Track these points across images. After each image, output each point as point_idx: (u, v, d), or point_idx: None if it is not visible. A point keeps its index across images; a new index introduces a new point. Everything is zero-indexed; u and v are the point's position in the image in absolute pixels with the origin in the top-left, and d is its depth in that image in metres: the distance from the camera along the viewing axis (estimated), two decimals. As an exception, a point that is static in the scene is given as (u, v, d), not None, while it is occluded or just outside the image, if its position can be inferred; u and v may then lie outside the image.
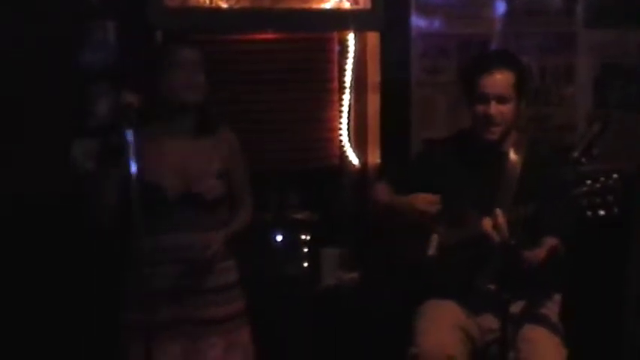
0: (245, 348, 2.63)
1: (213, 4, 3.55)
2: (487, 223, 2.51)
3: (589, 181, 2.31)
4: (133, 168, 2.25)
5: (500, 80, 2.63)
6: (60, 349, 3.20)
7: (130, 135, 2.27)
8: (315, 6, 3.63)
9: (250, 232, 2.73)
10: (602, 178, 2.29)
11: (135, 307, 2.45)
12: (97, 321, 3.06)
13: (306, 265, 3.54)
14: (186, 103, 2.49)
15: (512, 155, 2.68)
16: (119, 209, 2.43)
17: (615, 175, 2.28)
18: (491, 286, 2.58)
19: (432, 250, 2.70)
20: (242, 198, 2.70)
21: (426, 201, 2.73)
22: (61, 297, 3.23)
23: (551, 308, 2.76)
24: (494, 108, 2.63)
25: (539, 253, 2.57)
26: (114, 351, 2.55)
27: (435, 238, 2.70)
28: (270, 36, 3.65)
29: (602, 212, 2.28)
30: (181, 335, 2.47)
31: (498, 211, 2.49)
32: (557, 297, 2.80)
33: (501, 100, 2.63)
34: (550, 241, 2.60)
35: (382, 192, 2.94)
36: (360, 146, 3.73)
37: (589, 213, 2.30)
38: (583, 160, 2.45)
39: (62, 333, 3.22)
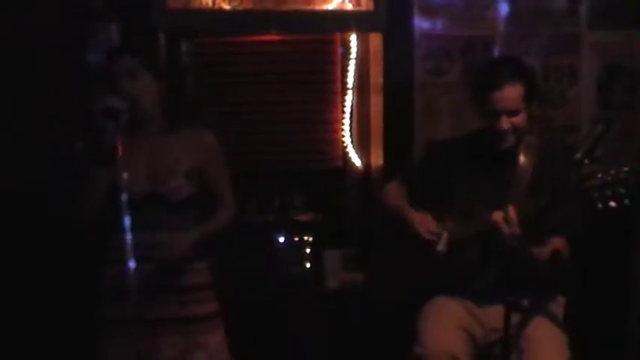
0: (212, 351, 2.59)
1: (216, 6, 3.56)
2: (498, 214, 2.52)
3: (600, 174, 2.31)
4: (121, 171, 2.27)
5: (509, 95, 2.62)
6: (36, 342, 3.23)
7: (117, 137, 2.30)
8: (317, 7, 3.64)
9: (250, 232, 2.72)
10: (613, 171, 2.30)
11: (104, 303, 2.52)
12: (74, 315, 3.08)
13: (309, 266, 3.54)
14: (116, 110, 2.40)
15: (523, 157, 2.68)
16: (104, 207, 2.45)
17: (626, 168, 2.28)
18: (495, 285, 2.58)
19: (441, 247, 2.70)
20: (221, 197, 2.65)
21: (426, 228, 2.75)
22: (37, 291, 3.26)
23: (556, 310, 2.75)
24: (506, 122, 2.63)
25: (544, 251, 2.57)
26: (89, 345, 2.57)
27: (444, 235, 2.71)
28: (272, 37, 3.66)
29: (612, 204, 2.28)
30: (146, 333, 2.46)
31: (510, 207, 2.50)
32: (562, 299, 2.79)
33: (512, 113, 2.63)
34: (556, 242, 2.60)
35: (392, 194, 2.94)
36: (363, 148, 3.74)
37: (600, 205, 2.30)
38: (586, 161, 2.44)
39: (39, 327, 3.25)
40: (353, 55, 3.68)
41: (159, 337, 2.51)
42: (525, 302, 2.68)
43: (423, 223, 2.77)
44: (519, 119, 2.64)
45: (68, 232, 3.16)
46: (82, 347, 2.67)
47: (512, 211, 2.49)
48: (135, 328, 2.42)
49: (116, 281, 2.46)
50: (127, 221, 2.27)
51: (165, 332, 2.52)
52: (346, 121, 3.72)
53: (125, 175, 2.27)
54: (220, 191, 2.65)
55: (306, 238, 3.53)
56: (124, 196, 2.26)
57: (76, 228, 2.70)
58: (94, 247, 2.59)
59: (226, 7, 3.57)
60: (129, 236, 2.30)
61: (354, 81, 3.70)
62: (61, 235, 3.24)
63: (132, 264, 2.30)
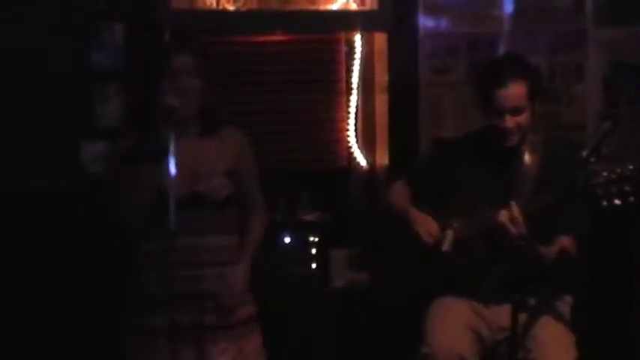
0: (256, 354, 2.61)
1: (220, 6, 3.56)
2: (504, 214, 2.51)
3: (605, 172, 2.30)
4: (172, 169, 2.28)
5: (514, 93, 2.61)
6: (63, 348, 3.23)
7: (170, 136, 2.30)
8: (322, 7, 3.64)
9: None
10: (619, 169, 2.29)
11: (141, 311, 2.50)
12: (102, 322, 3.09)
13: (315, 266, 3.54)
14: (173, 108, 2.42)
15: (528, 156, 2.68)
16: (147, 209, 2.44)
17: (631, 166, 2.28)
18: (502, 284, 2.58)
19: (446, 246, 2.69)
20: (253, 200, 2.67)
21: (426, 230, 2.74)
22: (67, 296, 3.27)
23: (563, 309, 2.74)
24: (510, 120, 2.62)
25: (552, 250, 2.57)
26: (117, 352, 2.55)
27: (449, 234, 2.70)
28: (277, 37, 3.66)
29: (617, 202, 2.28)
30: (190, 340, 2.46)
31: (514, 205, 2.49)
32: (569, 298, 2.78)
33: (516, 111, 2.62)
34: (563, 240, 2.60)
35: (396, 194, 2.93)
36: (368, 147, 3.73)
37: (605, 203, 2.30)
38: (592, 159, 2.43)
39: (67, 332, 3.25)
40: (357, 54, 3.68)
41: (208, 346, 2.48)
42: (532, 301, 2.67)
43: (424, 225, 2.76)
44: (523, 118, 2.63)
45: (86, 235, 3.18)
46: (107, 352, 2.67)
47: (516, 211, 2.48)
48: (180, 338, 2.41)
49: (153, 288, 2.45)
50: (174, 224, 2.26)
51: (215, 339, 2.50)
52: (351, 120, 3.72)
53: (173, 176, 2.27)
54: (252, 192, 2.66)
55: (312, 238, 3.53)
56: (171, 199, 2.25)
57: (123, 231, 2.64)
58: (124, 251, 2.57)
59: (230, 7, 3.57)
60: (167, 241, 2.31)
61: (359, 80, 3.70)
62: (80, 238, 3.27)
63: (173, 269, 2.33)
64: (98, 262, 3.23)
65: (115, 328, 2.60)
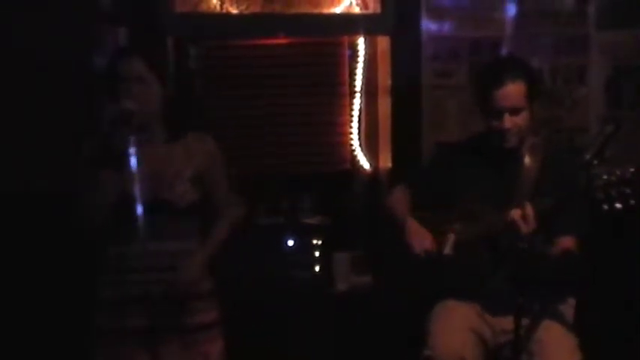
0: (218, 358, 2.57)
1: (224, 10, 3.57)
2: (516, 212, 2.50)
3: (605, 175, 2.30)
4: (134, 174, 2.27)
5: (512, 93, 2.61)
6: (64, 348, 3.22)
7: (130, 140, 2.29)
8: (325, 11, 3.65)
9: (259, 235, 2.69)
10: (619, 172, 2.29)
11: (105, 312, 2.49)
12: (72, 321, 3.06)
13: (318, 269, 3.54)
14: (131, 112, 2.38)
15: (528, 158, 2.67)
16: (112, 211, 2.42)
17: (632, 169, 2.27)
18: (505, 287, 2.58)
19: (447, 249, 2.70)
20: (220, 204, 2.62)
21: (420, 244, 2.73)
22: (66, 296, 3.25)
23: (566, 311, 2.74)
24: (509, 121, 2.62)
25: (555, 251, 2.57)
26: (85, 351, 2.54)
27: (451, 237, 2.70)
28: (280, 41, 3.67)
29: (618, 205, 2.27)
30: (147, 343, 2.43)
31: (527, 204, 2.48)
32: (572, 301, 2.78)
33: (515, 111, 2.62)
34: (566, 241, 2.60)
35: (396, 198, 2.93)
36: (371, 150, 3.74)
37: (605, 206, 2.30)
38: (595, 162, 2.43)
39: (69, 331, 3.24)
40: (361, 57, 3.69)
41: (160, 348, 2.46)
42: (535, 304, 2.67)
43: (419, 237, 2.75)
44: (522, 118, 2.63)
45: (66, 237, 3.17)
46: (77, 355, 2.66)
47: (529, 208, 2.48)
48: (136, 339, 2.42)
49: (116, 290, 2.45)
50: (136, 229, 2.26)
51: (167, 342, 2.47)
52: (354, 123, 3.73)
53: (135, 180, 2.27)
54: (219, 197, 2.62)
55: (315, 241, 3.53)
56: (133, 202, 2.25)
57: (86, 234, 2.67)
58: (92, 254, 2.56)
59: (234, 10, 3.59)
60: (129, 245, 2.32)
61: (362, 83, 3.71)
62: (59, 240, 3.26)
63: (134, 273, 2.34)
64: (72, 261, 3.22)
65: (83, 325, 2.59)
